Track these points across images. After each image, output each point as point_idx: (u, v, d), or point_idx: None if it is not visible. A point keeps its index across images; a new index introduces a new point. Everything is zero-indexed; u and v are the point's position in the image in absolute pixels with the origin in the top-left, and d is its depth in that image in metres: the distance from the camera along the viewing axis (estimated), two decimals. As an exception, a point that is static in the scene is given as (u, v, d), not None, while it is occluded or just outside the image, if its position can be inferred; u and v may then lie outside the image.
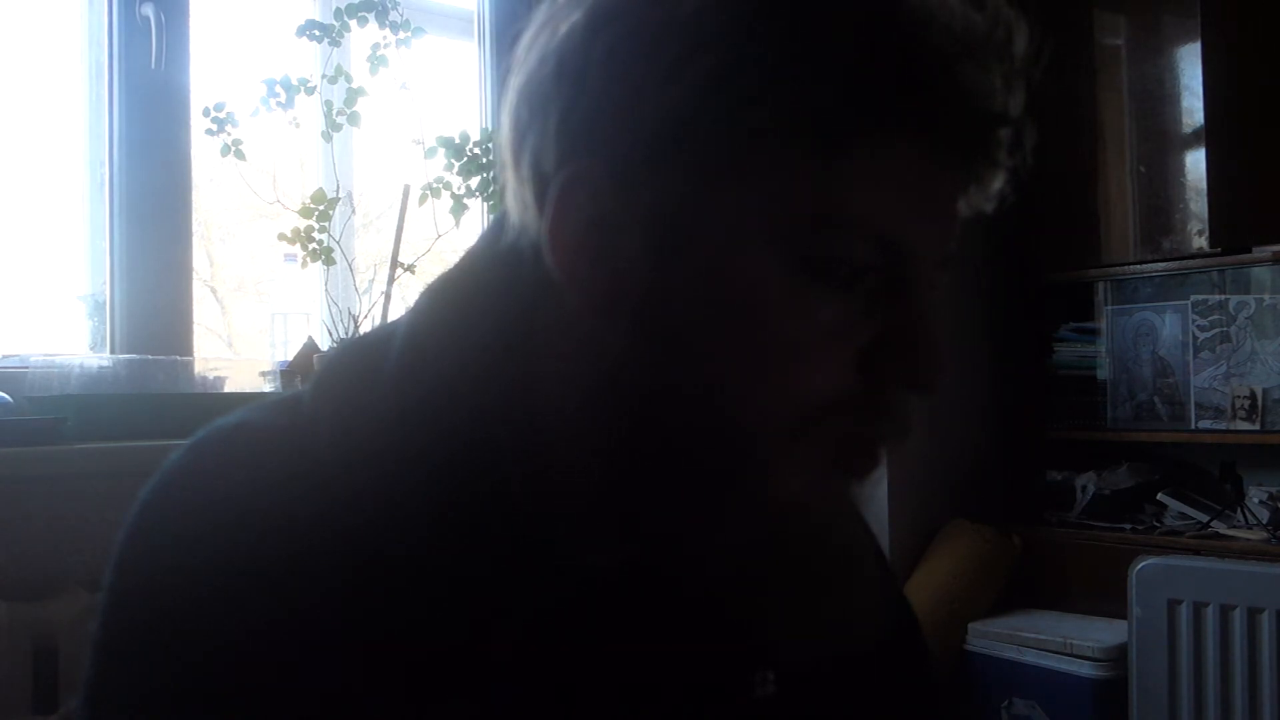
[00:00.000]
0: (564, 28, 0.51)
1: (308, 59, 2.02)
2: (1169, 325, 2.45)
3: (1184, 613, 2.15)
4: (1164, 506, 2.41)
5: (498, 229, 0.57)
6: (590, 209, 0.51)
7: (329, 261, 1.96)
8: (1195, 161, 2.39)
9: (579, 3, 0.52)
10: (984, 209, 0.55)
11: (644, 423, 0.51)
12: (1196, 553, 2.22)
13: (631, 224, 0.50)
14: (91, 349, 1.90)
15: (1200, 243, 2.36)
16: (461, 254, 0.60)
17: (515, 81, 0.54)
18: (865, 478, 0.54)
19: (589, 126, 0.50)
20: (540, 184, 0.52)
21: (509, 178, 0.54)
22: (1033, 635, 2.28)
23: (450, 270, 0.60)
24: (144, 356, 1.82)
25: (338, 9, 1.98)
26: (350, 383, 0.56)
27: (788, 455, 0.51)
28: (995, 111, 0.51)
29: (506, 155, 0.54)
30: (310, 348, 1.90)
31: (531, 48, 0.53)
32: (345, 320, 1.96)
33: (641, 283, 0.50)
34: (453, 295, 0.58)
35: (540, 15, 0.54)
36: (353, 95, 1.97)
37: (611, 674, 0.53)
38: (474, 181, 2.03)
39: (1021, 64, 0.52)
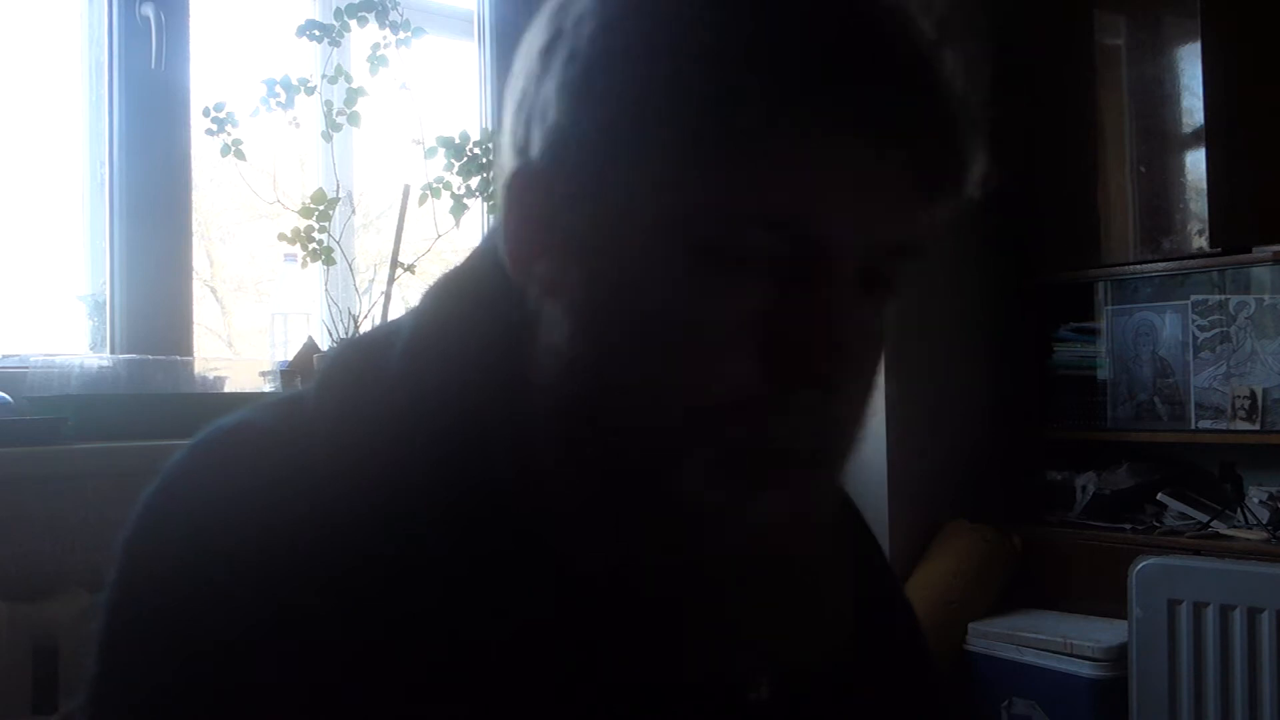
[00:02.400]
0: (537, 42, 0.54)
1: (308, 59, 2.02)
2: (1169, 325, 2.45)
3: (1184, 613, 2.15)
4: (1164, 506, 2.41)
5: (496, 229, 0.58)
6: (531, 205, 0.53)
7: (329, 261, 1.96)
8: (1195, 161, 2.39)
9: (551, 18, 0.54)
10: (960, 197, 0.52)
11: (585, 422, 0.52)
12: (1196, 553, 2.22)
13: (564, 218, 0.52)
14: (91, 349, 1.90)
15: (1200, 243, 2.36)
16: (465, 254, 0.61)
17: (508, 88, 0.57)
18: (804, 486, 0.52)
19: (532, 124, 0.53)
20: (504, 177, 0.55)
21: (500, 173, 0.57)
22: (1033, 635, 2.28)
23: (454, 270, 0.60)
24: (144, 356, 1.82)
25: (338, 9, 1.98)
26: (354, 382, 0.57)
27: (693, 456, 0.50)
28: (910, 85, 0.49)
29: (496, 152, 0.59)
30: (310, 348, 1.90)
31: (516, 58, 0.56)
32: (345, 320, 1.96)
33: (573, 276, 0.52)
34: (456, 295, 0.58)
35: (534, 26, 0.56)
36: (353, 95, 1.97)
37: (605, 676, 0.53)
38: (474, 181, 2.03)
39: (943, 32, 0.50)
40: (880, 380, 0.56)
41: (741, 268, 0.49)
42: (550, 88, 0.52)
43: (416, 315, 0.58)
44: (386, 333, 0.59)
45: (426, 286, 0.61)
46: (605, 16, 0.50)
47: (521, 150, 0.54)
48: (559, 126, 0.51)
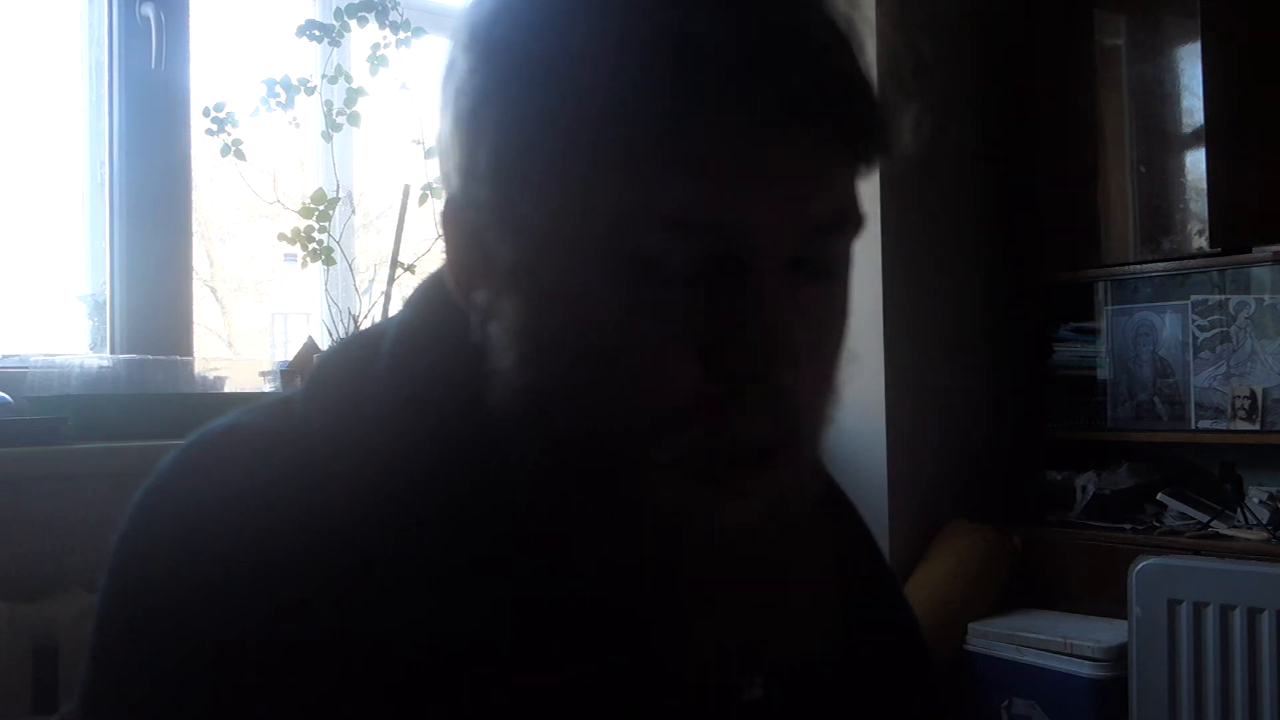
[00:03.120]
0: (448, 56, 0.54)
1: (308, 59, 2.02)
2: (1169, 325, 2.45)
3: (1184, 613, 2.14)
4: (1164, 506, 2.41)
5: None
6: (460, 238, 0.54)
7: (329, 261, 1.96)
8: (1195, 161, 2.38)
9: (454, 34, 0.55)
10: (875, 161, 0.51)
11: (547, 434, 0.52)
12: (1196, 553, 2.22)
13: (491, 249, 0.52)
14: (91, 349, 1.90)
15: (1200, 243, 2.36)
16: None
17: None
18: (767, 484, 0.51)
19: (450, 156, 0.54)
20: None
21: None
22: (1033, 635, 2.28)
23: (438, 271, 0.60)
24: (144, 356, 1.82)
25: (338, 9, 1.98)
26: (342, 383, 0.57)
27: (659, 462, 0.49)
28: (791, 63, 0.47)
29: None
30: (310, 348, 1.90)
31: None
32: (345, 320, 1.96)
33: (507, 308, 0.52)
34: (442, 294, 0.58)
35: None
36: (353, 95, 1.97)
37: (599, 677, 0.53)
38: (474, 181, 2.02)
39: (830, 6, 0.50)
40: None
41: (667, 273, 0.48)
42: (447, 123, 0.53)
43: (402, 316, 0.59)
44: (374, 334, 0.59)
45: (416, 285, 0.61)
46: (483, 46, 0.51)
47: (447, 182, 0.55)
48: (462, 164, 0.52)
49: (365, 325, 1.96)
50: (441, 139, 0.54)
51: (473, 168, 0.52)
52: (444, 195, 0.55)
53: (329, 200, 1.94)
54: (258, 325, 2.72)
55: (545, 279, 0.50)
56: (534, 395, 0.51)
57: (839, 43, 0.50)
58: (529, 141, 0.49)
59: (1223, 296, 2.36)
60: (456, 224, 0.54)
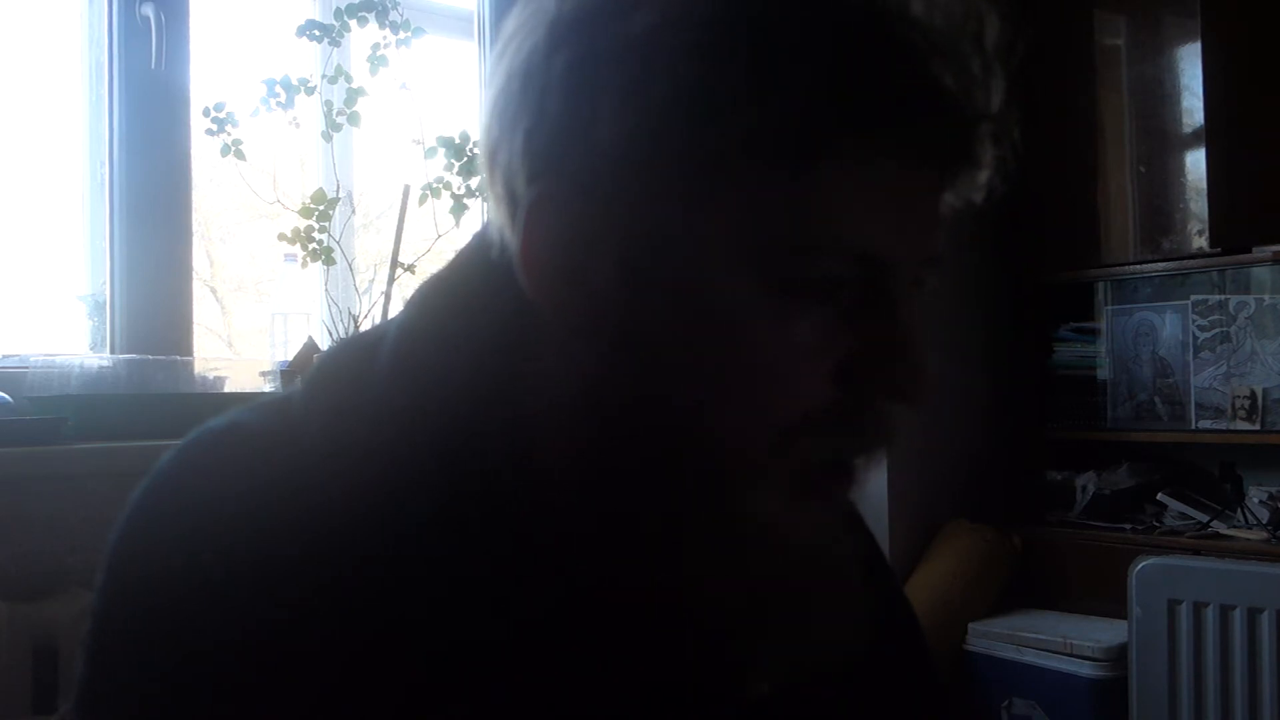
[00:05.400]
0: (528, 44, 0.51)
1: (308, 59, 2.02)
2: (1169, 325, 2.45)
3: (1184, 613, 2.15)
4: (1164, 506, 2.41)
5: (486, 231, 0.57)
6: (559, 231, 0.50)
7: (329, 261, 1.96)
8: (1195, 161, 2.39)
9: (542, 18, 0.51)
10: (972, 202, 0.54)
11: (621, 438, 0.51)
12: (1196, 553, 2.22)
13: (601, 245, 0.50)
14: (91, 349, 1.90)
15: (1200, 243, 2.36)
16: (454, 253, 0.60)
17: (487, 95, 0.54)
18: (848, 493, 0.54)
19: (554, 147, 0.50)
20: (512, 203, 0.52)
21: (488, 191, 0.55)
22: (1033, 635, 2.28)
23: (441, 270, 0.59)
24: (144, 356, 1.82)
25: (338, 9, 1.98)
26: (340, 383, 0.57)
27: (767, 472, 0.50)
28: (969, 111, 0.50)
29: (483, 170, 0.55)
30: (310, 348, 1.90)
31: (500, 61, 0.53)
32: (345, 320, 1.96)
33: (615, 305, 0.50)
34: (444, 297, 0.57)
35: (508, 27, 0.53)
36: (353, 95, 1.97)
37: (607, 676, 0.53)
38: (474, 181, 2.03)
39: (995, 56, 0.51)
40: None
41: (813, 293, 0.49)
42: (582, 111, 0.48)
43: (403, 318, 0.58)
44: (374, 335, 0.59)
45: (417, 287, 0.60)
46: (637, 32, 0.48)
47: (543, 173, 0.50)
48: (604, 154, 0.48)
49: (365, 325, 1.96)
50: (554, 120, 0.49)
51: (625, 166, 0.48)
52: (529, 186, 0.51)
53: (329, 200, 1.94)
54: (258, 325, 2.72)
55: (688, 288, 0.49)
56: (622, 398, 0.51)
57: (993, 81, 0.51)
58: (709, 149, 0.48)
59: (1223, 296, 2.36)
60: (557, 219, 0.50)
